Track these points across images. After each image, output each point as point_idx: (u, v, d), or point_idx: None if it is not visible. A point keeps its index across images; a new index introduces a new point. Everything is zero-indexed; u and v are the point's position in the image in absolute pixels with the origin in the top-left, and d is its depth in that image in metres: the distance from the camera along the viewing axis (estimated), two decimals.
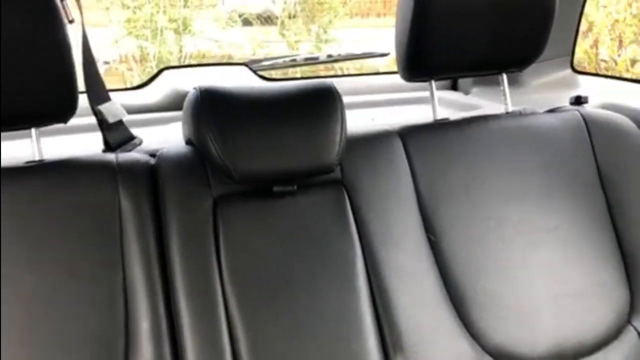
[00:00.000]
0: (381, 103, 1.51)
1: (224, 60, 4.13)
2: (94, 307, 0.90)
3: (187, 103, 1.01)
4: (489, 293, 1.04)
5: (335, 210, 1.02)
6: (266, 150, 0.96)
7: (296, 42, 4.24)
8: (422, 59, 1.12)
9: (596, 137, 1.18)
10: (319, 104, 1.00)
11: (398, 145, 1.10)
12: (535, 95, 1.46)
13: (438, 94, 1.24)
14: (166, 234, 0.95)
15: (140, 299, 0.91)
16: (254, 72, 1.51)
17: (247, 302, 0.94)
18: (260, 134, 0.96)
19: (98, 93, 1.07)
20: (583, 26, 3.21)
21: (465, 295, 1.03)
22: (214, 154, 0.95)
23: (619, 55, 3.27)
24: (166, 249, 0.94)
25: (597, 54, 3.19)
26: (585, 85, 1.49)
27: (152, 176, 1.00)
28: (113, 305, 0.91)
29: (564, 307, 1.06)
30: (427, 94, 1.22)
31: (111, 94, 1.13)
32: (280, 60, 1.54)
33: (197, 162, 1.00)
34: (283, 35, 4.22)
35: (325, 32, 4.26)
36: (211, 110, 0.96)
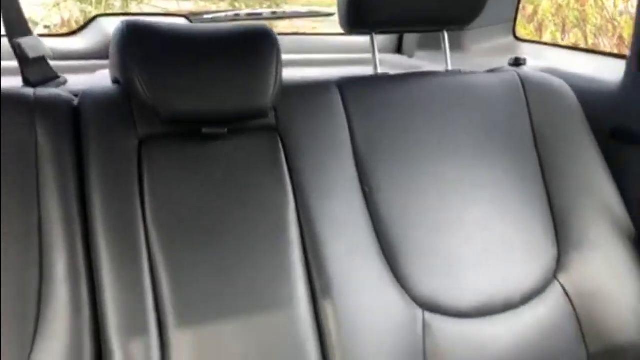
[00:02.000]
0: (324, 63, 1.48)
1: None
2: (8, 243, 0.85)
3: (113, 38, 0.96)
4: (422, 246, 1.04)
5: (269, 156, 0.99)
6: (196, 89, 0.92)
7: None
8: (363, 11, 1.10)
9: (532, 97, 1.19)
10: (254, 45, 0.96)
11: (336, 96, 1.08)
12: (477, 60, 1.47)
13: (382, 57, 1.22)
14: (87, 173, 0.90)
15: (57, 238, 0.87)
16: None
17: (171, 245, 0.90)
18: (191, 72, 0.92)
19: (18, 26, 1.00)
20: (529, 10, 3.27)
21: (398, 247, 1.02)
22: (140, 91, 0.90)
23: (562, 40, 3.34)
24: (86, 189, 0.89)
25: (541, 38, 3.25)
26: (527, 54, 1.50)
27: (74, 115, 0.94)
28: (27, 243, 0.86)
29: (494, 262, 1.07)
30: (370, 56, 1.20)
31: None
32: (222, 15, 1.49)
33: (122, 101, 0.95)
34: (234, 6, 4.12)
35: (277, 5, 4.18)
36: (138, 44, 0.91)
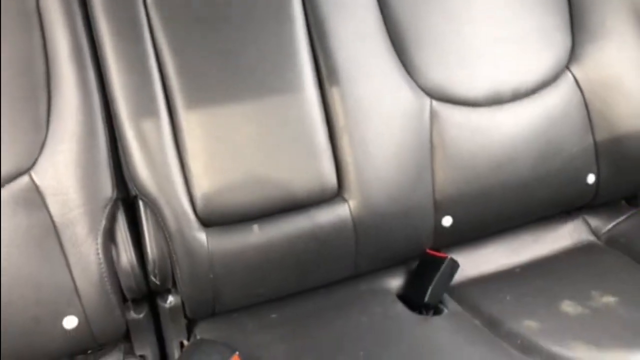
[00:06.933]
0: None
1: None
2: (8, 28, 0.83)
3: None
4: (430, 33, 1.01)
5: None
6: None
7: None
8: None
9: None
10: None
11: None
12: None
13: None
14: None
15: (56, 18, 0.85)
16: None
17: (174, 27, 0.88)
18: None
19: None
20: None
21: (406, 33, 1.00)
22: None
23: None
24: None
25: None
26: None
27: None
28: (28, 25, 0.84)
29: (505, 50, 1.04)
30: None
31: None
32: None
33: None
34: None
35: None
36: None
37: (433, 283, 0.97)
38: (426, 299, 0.97)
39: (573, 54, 1.08)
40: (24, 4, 0.85)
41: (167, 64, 0.88)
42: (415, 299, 0.98)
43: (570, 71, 1.08)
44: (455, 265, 0.99)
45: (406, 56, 1.00)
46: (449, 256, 0.99)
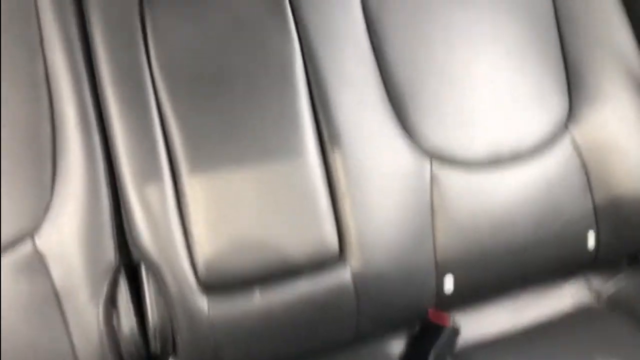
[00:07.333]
0: None
1: None
2: (18, 95, 0.86)
3: None
4: (430, 97, 1.03)
5: (272, 3, 0.96)
6: None
7: None
8: None
9: None
10: None
11: None
12: None
13: None
14: (88, 20, 0.88)
15: (65, 88, 0.87)
16: None
17: (179, 94, 0.90)
18: None
19: None
20: None
21: (406, 98, 1.02)
22: None
23: None
24: (89, 37, 0.89)
25: None
26: None
27: None
28: (36, 93, 0.86)
29: (503, 112, 1.06)
30: None
31: None
32: None
33: None
34: None
35: None
36: None
37: (434, 354, 0.96)
38: None
39: (570, 116, 1.10)
40: (34, 73, 0.87)
41: (172, 131, 0.89)
42: None
43: (569, 133, 1.09)
44: (455, 333, 0.99)
45: (406, 119, 1.01)
46: (450, 324, 0.99)
